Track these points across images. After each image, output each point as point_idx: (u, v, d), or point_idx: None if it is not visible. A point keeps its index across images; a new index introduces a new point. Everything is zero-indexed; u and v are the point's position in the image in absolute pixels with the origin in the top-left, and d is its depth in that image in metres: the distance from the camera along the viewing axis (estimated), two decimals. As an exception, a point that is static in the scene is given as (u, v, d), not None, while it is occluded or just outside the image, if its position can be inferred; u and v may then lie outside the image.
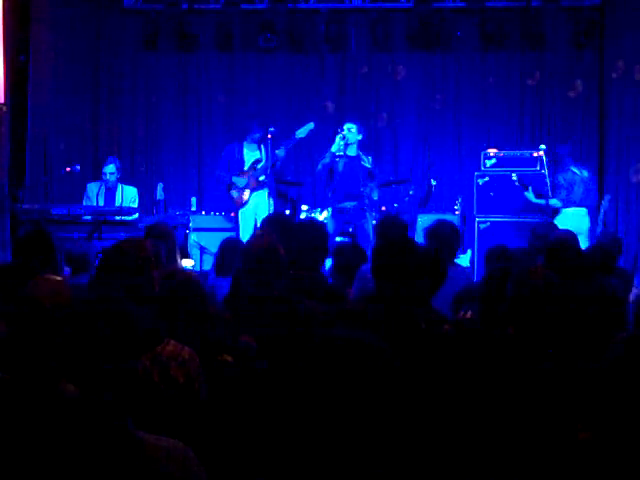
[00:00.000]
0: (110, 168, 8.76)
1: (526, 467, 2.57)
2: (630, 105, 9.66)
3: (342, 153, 8.06)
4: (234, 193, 8.65)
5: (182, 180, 10.18)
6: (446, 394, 2.69)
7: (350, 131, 8.16)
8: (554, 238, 4.88)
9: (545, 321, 3.08)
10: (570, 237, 4.86)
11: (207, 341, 2.86)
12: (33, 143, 9.75)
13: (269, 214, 6.90)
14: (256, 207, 8.55)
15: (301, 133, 8.45)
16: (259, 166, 8.56)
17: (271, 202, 8.38)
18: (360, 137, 8.21)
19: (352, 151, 8.15)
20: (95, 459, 1.70)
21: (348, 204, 8.11)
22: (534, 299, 3.14)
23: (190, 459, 1.85)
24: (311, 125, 8.44)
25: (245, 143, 8.67)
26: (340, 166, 8.09)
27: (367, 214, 8.09)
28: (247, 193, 8.58)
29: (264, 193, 8.48)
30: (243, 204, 8.62)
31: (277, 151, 8.39)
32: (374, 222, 8.26)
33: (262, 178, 8.52)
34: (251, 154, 8.62)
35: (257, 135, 8.58)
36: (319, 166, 8.21)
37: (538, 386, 2.79)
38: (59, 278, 3.28)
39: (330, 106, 10.10)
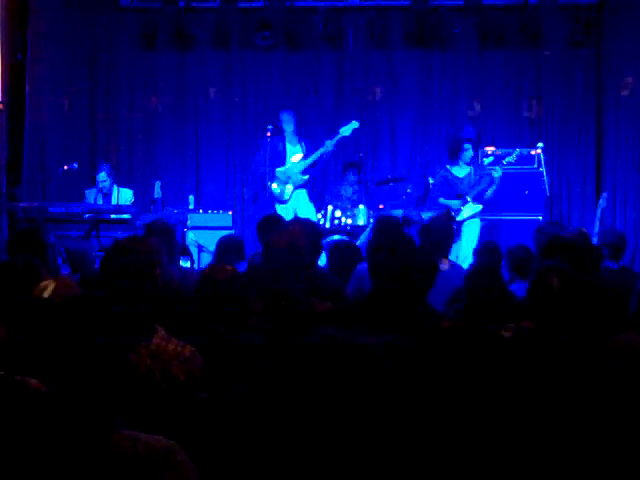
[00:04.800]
0: (102, 176, 8.75)
1: (526, 467, 2.57)
2: (628, 103, 9.67)
3: None
4: (276, 189, 8.57)
5: (180, 178, 10.18)
6: (446, 392, 2.69)
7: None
8: (564, 236, 4.93)
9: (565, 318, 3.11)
10: (581, 235, 4.92)
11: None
12: (30, 141, 9.75)
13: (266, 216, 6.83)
14: (296, 205, 8.52)
15: (345, 131, 8.45)
16: (307, 161, 8.54)
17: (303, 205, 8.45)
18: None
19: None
20: (63, 456, 1.68)
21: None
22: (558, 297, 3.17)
23: (176, 455, 1.82)
24: (355, 124, 8.44)
25: (287, 136, 8.64)
26: None
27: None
28: (289, 188, 8.52)
29: (304, 192, 8.50)
30: (284, 200, 8.54)
31: (322, 149, 8.41)
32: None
33: (306, 177, 8.54)
34: (292, 149, 8.60)
35: (293, 119, 8.55)
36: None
37: (536, 384, 2.79)
38: (66, 278, 3.28)
39: (328, 104, 10.10)
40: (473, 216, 7.93)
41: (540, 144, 7.91)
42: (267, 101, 10.03)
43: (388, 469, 2.12)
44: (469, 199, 7.86)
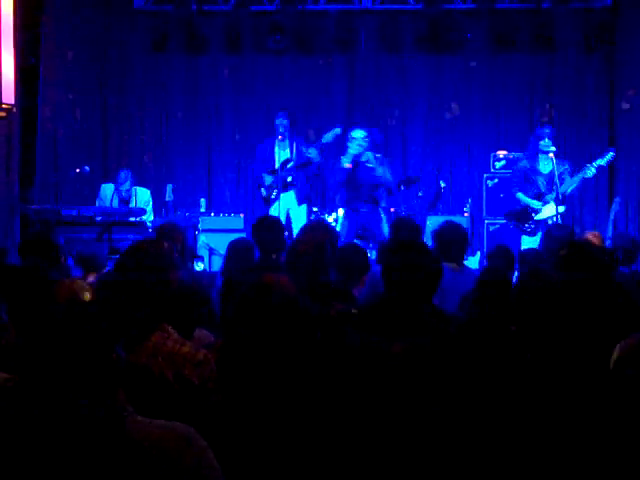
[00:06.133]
0: (126, 186, 8.72)
1: (527, 468, 2.57)
2: (640, 107, 9.65)
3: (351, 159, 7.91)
4: (263, 191, 8.56)
5: (191, 181, 10.21)
6: (454, 392, 2.69)
7: (363, 140, 7.93)
8: (575, 240, 4.92)
9: (550, 322, 3.09)
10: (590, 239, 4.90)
11: None
12: (43, 144, 9.79)
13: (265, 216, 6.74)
14: (288, 206, 8.47)
15: (327, 138, 8.27)
16: (289, 166, 8.47)
17: (303, 205, 8.38)
18: (365, 144, 8.00)
19: (364, 156, 7.86)
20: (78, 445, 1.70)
21: (362, 207, 8.02)
22: (537, 300, 3.15)
23: (192, 439, 1.82)
24: (338, 130, 8.26)
25: (277, 141, 8.52)
26: (355, 171, 7.94)
27: (382, 215, 8.01)
28: (275, 192, 8.50)
29: (291, 193, 8.45)
30: (271, 201, 8.54)
31: (309, 152, 8.26)
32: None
33: (290, 179, 8.45)
34: (282, 153, 8.54)
35: (282, 126, 8.42)
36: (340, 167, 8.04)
37: (541, 385, 2.79)
38: (80, 281, 3.29)
39: (339, 107, 10.11)
40: (555, 216, 7.65)
41: (552, 148, 7.85)
42: (279, 104, 10.03)
43: (408, 468, 2.12)
44: (550, 199, 7.66)
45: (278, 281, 2.80)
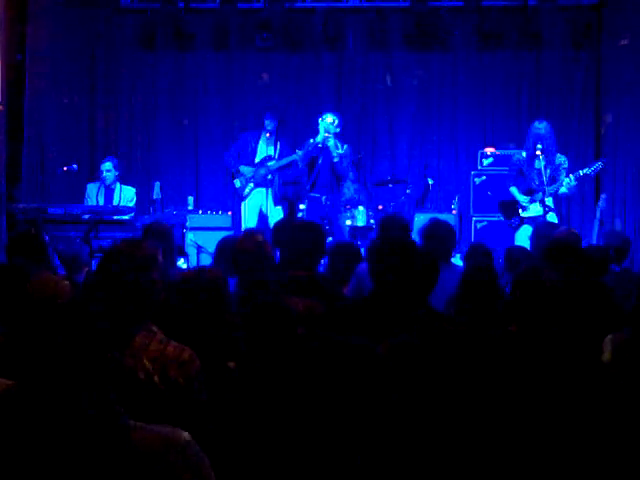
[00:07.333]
0: (106, 166, 8.72)
1: (527, 467, 2.57)
2: (627, 104, 9.67)
3: (321, 145, 8.04)
4: (237, 182, 8.62)
5: (179, 179, 10.18)
6: (446, 394, 2.69)
7: (332, 124, 8.13)
8: (555, 238, 4.91)
9: (548, 320, 3.10)
10: (572, 236, 4.89)
11: (219, 345, 2.88)
12: (29, 142, 9.75)
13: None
14: (260, 203, 8.51)
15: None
16: (270, 163, 8.53)
17: (271, 204, 8.39)
18: (338, 130, 8.16)
19: (330, 143, 8.06)
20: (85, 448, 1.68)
21: (324, 197, 8.13)
22: (538, 299, 3.16)
23: (185, 442, 1.79)
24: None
25: (264, 137, 8.63)
26: (320, 159, 8.09)
27: (342, 209, 8.13)
28: (250, 186, 8.55)
29: (269, 192, 8.49)
30: (243, 196, 8.59)
31: (293, 155, 8.33)
32: (349, 222, 8.32)
33: (269, 177, 8.52)
34: (266, 149, 8.61)
35: (271, 125, 8.51)
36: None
37: (536, 384, 2.79)
38: (60, 278, 3.28)
39: (327, 105, 10.09)
40: (536, 217, 7.60)
41: (539, 145, 7.86)
42: (266, 102, 10.02)
43: (389, 471, 2.12)
44: (538, 199, 7.62)
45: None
